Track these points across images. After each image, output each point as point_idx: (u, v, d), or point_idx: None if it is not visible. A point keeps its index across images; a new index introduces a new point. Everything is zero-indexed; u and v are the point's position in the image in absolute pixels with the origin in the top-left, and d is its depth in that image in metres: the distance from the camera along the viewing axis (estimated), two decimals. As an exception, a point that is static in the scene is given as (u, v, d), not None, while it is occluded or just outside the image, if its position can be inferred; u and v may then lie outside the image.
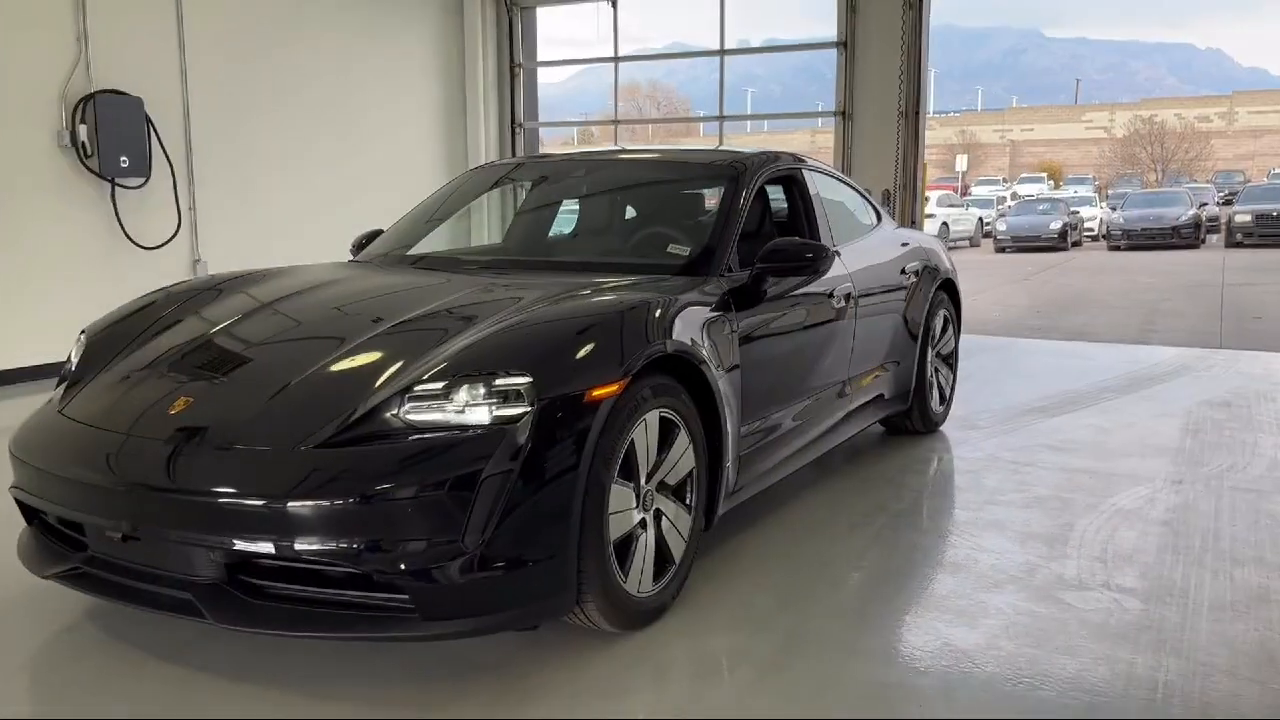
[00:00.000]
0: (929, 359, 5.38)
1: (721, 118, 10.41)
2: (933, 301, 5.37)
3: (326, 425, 2.66)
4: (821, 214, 4.57)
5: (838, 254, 4.51)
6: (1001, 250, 26.50)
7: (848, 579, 3.54)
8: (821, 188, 4.78)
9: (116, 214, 7.55)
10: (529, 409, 2.65)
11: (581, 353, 2.83)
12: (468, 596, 2.59)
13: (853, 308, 4.46)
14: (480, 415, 2.66)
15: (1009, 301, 13.33)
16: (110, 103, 7.35)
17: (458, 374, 2.71)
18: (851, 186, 5.34)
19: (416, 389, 2.70)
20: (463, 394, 2.68)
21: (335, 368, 2.92)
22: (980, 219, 30.15)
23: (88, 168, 7.33)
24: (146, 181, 7.69)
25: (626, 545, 3.00)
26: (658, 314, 3.12)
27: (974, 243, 29.26)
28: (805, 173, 4.62)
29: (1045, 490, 4.53)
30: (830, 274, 4.34)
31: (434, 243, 4.38)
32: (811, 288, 4.12)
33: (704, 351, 3.25)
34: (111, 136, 7.34)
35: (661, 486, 3.16)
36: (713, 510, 3.45)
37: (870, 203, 5.47)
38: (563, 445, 2.69)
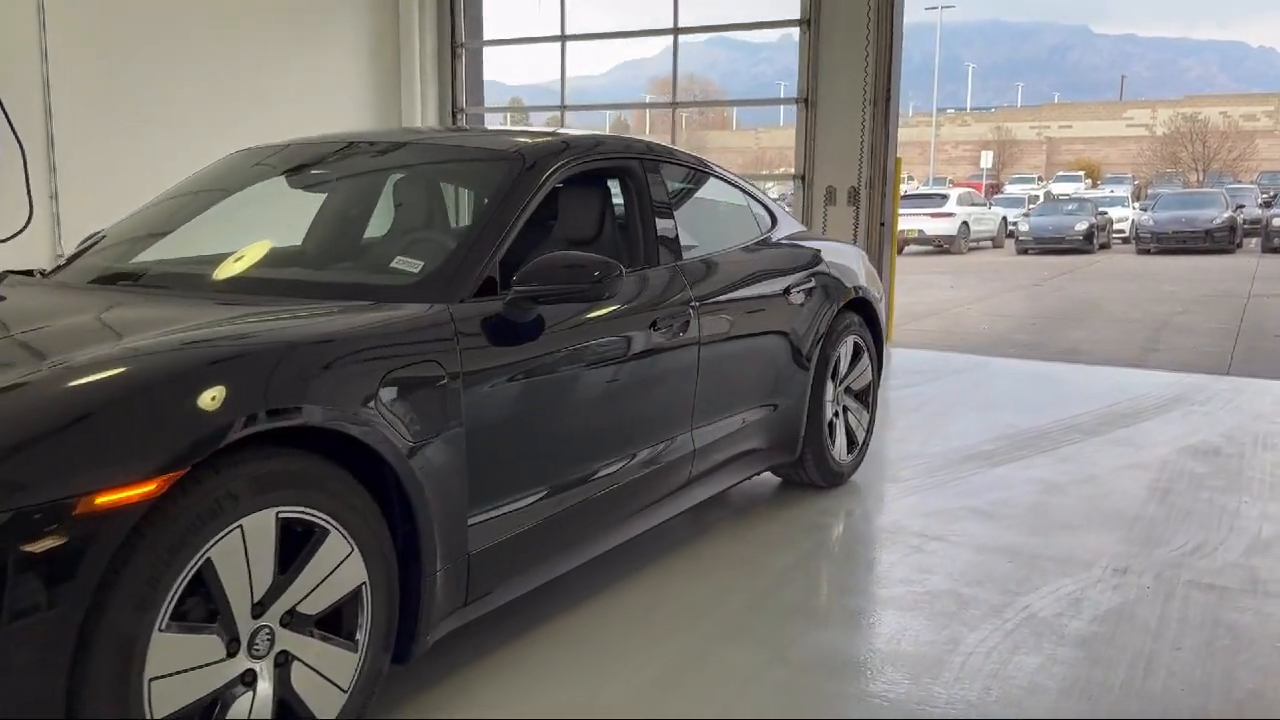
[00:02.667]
0: (828, 397, 4.34)
1: (674, 104, 9.38)
2: (835, 326, 4.33)
3: None
4: (667, 220, 3.56)
5: (680, 269, 3.51)
6: (1024, 252, 25.17)
7: (605, 734, 2.52)
8: (678, 186, 3.78)
9: (-47, 203, 6.65)
10: (-29, 528, 1.67)
11: (84, 436, 1.84)
12: None
13: (694, 339, 3.44)
14: (-102, 535, 1.68)
15: (1005, 311, 12.17)
16: (-59, 77, 6.44)
17: None
18: (736, 185, 4.31)
19: None
20: None
21: None
22: (1004, 219, 28.79)
23: (-86, 151, 6.44)
24: (-10, 167, 6.79)
25: (210, 714, 2.02)
26: (272, 364, 2.12)
27: (997, 244, 27.94)
28: (650, 167, 3.60)
29: (944, 580, 3.49)
30: (657, 295, 3.34)
31: (164, 249, 3.39)
32: (616, 315, 3.11)
33: (378, 415, 2.26)
34: (-58, 115, 6.44)
35: (296, 619, 2.17)
36: (412, 638, 2.46)
37: (766, 206, 4.44)
38: (34, 583, 1.71)
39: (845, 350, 4.49)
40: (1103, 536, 3.94)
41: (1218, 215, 24.18)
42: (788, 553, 3.79)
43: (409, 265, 2.82)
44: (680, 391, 3.43)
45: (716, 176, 4.19)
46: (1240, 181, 42.80)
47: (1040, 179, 53.32)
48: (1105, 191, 38.96)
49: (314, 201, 3.45)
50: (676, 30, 9.15)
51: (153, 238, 3.40)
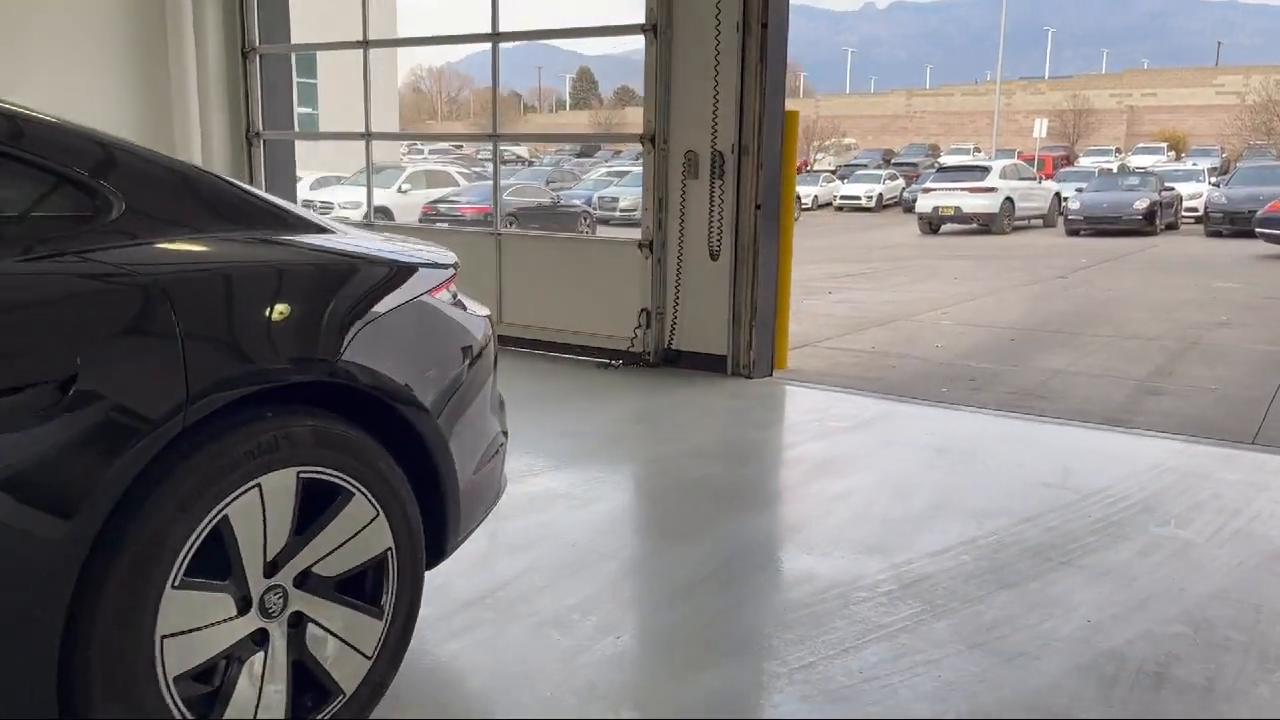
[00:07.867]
0: (167, 629, 1.87)
1: (496, 36, 6.85)
2: (207, 455, 1.88)
3: None
4: None
5: None
6: (1074, 233, 22.00)
7: None
8: None
9: None
10: None
11: None
12: None
13: None
14: None
15: (989, 318, 9.39)
16: None
17: None
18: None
19: None
20: None
21: None
22: (1058, 195, 25.57)
23: None
24: None
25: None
26: None
27: (1048, 222, 24.72)
28: None
29: None
30: None
31: None
32: None
33: None
34: None
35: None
36: None
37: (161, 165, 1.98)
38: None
39: (262, 505, 2.01)
40: None
41: (1303, 192, 20.76)
42: None
43: None
44: None
45: None
46: (1342, 154, 38.53)
47: (1119, 151, 49.25)
48: (1187, 165, 35.21)
49: None
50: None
51: None
